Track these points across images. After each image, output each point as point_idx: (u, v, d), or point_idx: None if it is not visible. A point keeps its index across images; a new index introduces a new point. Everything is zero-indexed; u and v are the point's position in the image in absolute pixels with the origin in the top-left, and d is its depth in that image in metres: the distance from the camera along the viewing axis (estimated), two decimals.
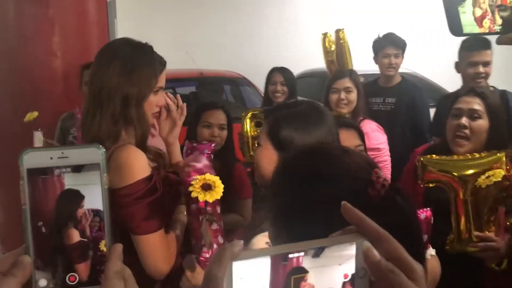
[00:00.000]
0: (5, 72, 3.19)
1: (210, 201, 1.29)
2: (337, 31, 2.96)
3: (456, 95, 1.91)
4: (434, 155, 1.69)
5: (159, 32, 8.78)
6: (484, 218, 1.60)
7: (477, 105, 1.79)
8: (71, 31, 3.21)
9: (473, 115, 1.79)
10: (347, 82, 2.56)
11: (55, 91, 3.13)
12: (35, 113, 2.57)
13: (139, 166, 1.32)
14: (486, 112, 1.79)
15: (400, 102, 3.28)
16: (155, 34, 8.62)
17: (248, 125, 2.80)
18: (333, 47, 3.00)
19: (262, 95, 5.82)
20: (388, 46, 3.24)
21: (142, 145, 1.40)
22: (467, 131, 1.78)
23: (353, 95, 2.56)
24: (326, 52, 3.02)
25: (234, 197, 2.22)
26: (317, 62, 8.07)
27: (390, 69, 3.27)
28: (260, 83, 6.66)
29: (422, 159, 1.69)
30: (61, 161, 0.53)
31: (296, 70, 7.47)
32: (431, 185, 1.66)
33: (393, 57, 3.24)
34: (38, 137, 2.51)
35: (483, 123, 1.79)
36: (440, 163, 1.65)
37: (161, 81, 1.45)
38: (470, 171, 1.58)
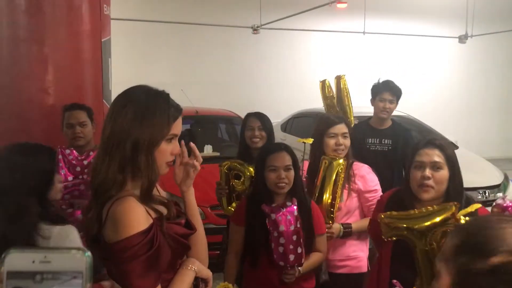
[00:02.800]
0: None
1: None
2: (338, 78, 3.14)
3: (416, 147, 2.02)
4: (393, 212, 1.80)
5: (154, 70, 8.85)
6: None
7: (437, 157, 1.94)
8: (65, 69, 3.18)
9: (435, 166, 1.93)
10: (343, 128, 2.65)
11: (43, 129, 3.07)
12: None
13: (134, 219, 1.28)
14: (445, 163, 1.93)
15: (396, 143, 3.59)
16: (150, 72, 8.70)
17: (224, 177, 2.73)
18: (332, 93, 3.16)
19: None
20: (385, 91, 3.59)
21: (147, 194, 1.36)
22: (431, 181, 1.92)
23: (349, 140, 2.65)
24: (325, 97, 3.18)
25: (313, 234, 2.29)
26: (313, 102, 8.16)
27: (384, 112, 3.60)
28: None
29: (383, 216, 1.80)
30: (43, 265, 0.48)
31: (291, 110, 7.53)
32: (394, 238, 1.78)
33: (387, 102, 3.57)
34: None
35: (444, 173, 1.93)
36: (398, 219, 1.77)
37: (176, 129, 1.41)
38: (426, 223, 1.69)
